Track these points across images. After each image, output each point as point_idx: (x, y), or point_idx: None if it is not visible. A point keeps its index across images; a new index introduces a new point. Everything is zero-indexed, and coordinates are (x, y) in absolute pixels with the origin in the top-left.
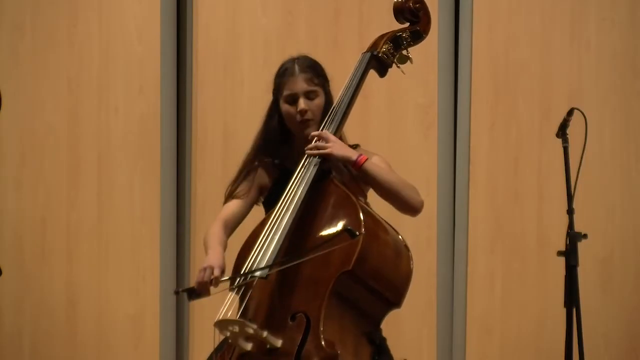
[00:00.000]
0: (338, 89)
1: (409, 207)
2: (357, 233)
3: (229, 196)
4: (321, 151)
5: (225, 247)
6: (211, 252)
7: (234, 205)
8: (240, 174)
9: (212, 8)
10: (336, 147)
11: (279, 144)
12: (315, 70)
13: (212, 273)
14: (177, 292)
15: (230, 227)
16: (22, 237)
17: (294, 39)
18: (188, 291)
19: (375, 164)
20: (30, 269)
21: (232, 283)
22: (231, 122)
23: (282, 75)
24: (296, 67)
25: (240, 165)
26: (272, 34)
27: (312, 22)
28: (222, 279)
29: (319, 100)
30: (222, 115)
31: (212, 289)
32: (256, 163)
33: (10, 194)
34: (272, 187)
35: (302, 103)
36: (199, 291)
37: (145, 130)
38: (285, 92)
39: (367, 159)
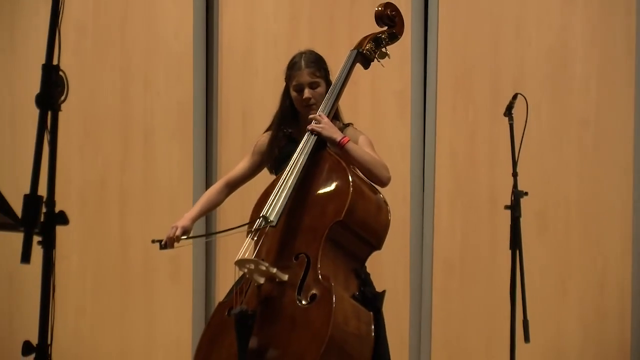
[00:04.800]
0: (332, 79)
1: (378, 181)
2: (275, 224)
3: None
4: (314, 130)
5: (209, 207)
6: (186, 214)
7: (241, 166)
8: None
9: (234, 14)
10: (325, 129)
11: (291, 118)
12: (318, 64)
13: (176, 232)
14: (153, 241)
15: (233, 184)
16: (85, 194)
17: (298, 39)
18: (160, 242)
19: (355, 145)
20: (91, 220)
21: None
22: (248, 105)
23: (292, 68)
24: (302, 62)
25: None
26: (281, 35)
27: (312, 26)
28: (183, 237)
29: (321, 89)
30: (241, 100)
31: (175, 244)
32: (274, 131)
33: (75, 161)
34: (281, 151)
35: (306, 92)
36: (165, 243)
37: (182, 111)
38: (294, 83)
39: (348, 141)
